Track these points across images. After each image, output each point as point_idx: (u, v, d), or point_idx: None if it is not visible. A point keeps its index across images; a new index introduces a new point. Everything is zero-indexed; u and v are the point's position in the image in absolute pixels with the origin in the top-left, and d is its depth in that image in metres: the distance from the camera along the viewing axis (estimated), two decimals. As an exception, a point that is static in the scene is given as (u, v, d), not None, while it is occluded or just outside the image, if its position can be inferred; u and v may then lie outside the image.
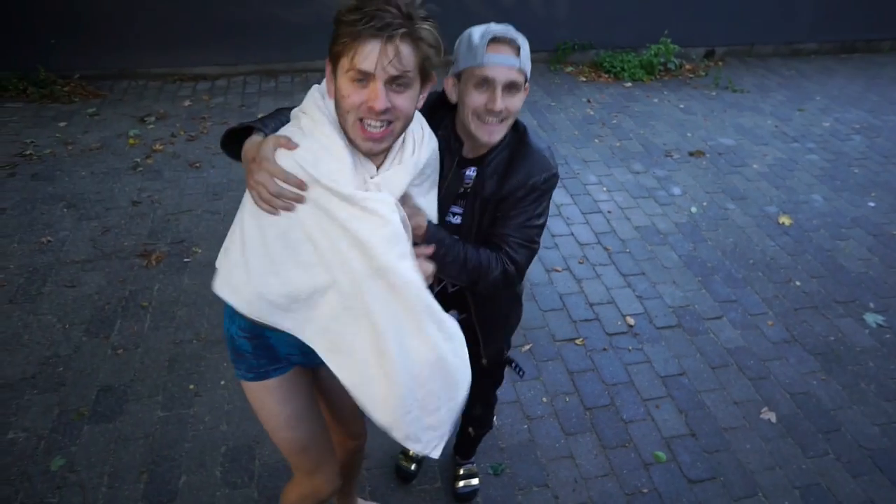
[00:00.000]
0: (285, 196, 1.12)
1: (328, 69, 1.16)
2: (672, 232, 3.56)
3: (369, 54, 1.06)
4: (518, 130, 1.45)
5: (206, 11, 4.94)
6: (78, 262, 3.09)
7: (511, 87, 1.31)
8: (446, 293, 1.60)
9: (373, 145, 1.15)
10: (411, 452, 2.22)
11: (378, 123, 1.12)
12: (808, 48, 6.24)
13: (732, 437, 2.41)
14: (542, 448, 2.33)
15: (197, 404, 2.40)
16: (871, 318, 3.00)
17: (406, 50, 1.08)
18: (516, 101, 1.34)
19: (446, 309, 1.30)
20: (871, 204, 3.89)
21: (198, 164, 3.95)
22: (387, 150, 1.22)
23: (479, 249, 1.42)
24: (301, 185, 1.12)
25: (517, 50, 1.31)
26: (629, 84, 5.42)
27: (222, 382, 2.50)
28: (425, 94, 1.23)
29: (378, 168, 1.23)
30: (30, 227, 3.31)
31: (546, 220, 1.49)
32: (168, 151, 4.09)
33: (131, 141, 4.18)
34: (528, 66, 1.34)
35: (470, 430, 2.08)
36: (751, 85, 5.51)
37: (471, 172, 1.44)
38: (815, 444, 2.39)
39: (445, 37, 1.17)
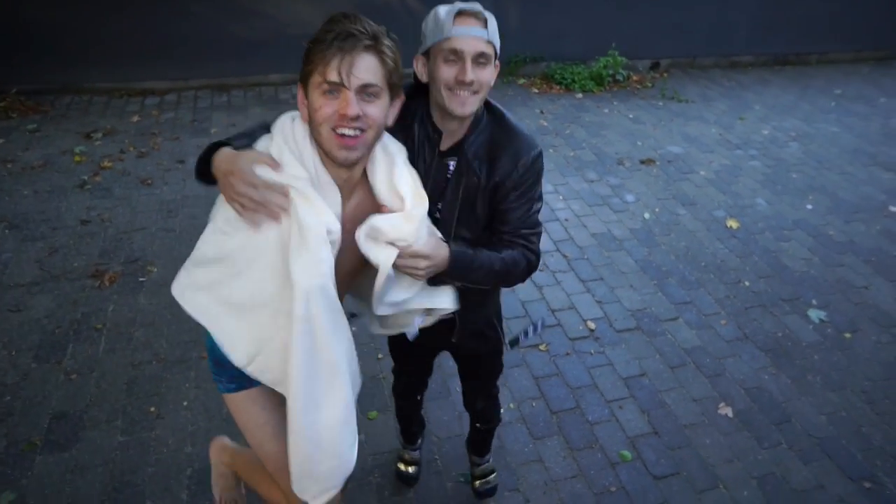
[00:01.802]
0: (270, 204, 1.12)
1: (300, 94, 1.20)
2: (627, 238, 3.67)
3: (338, 65, 1.11)
4: (495, 113, 1.46)
5: (153, 25, 4.83)
6: (23, 284, 2.96)
7: (480, 58, 1.30)
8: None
9: (347, 154, 1.17)
10: (406, 457, 2.22)
11: (351, 131, 1.14)
12: (746, 60, 6.57)
13: (693, 433, 2.49)
14: (511, 453, 2.36)
15: (159, 427, 2.33)
16: (815, 314, 3.17)
17: (372, 62, 1.14)
18: (487, 74, 1.33)
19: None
20: (809, 207, 4.12)
21: (149, 181, 3.84)
22: (356, 174, 1.25)
23: (501, 251, 1.44)
24: (286, 193, 1.13)
25: (484, 22, 1.31)
26: (580, 95, 5.58)
27: (185, 403, 2.43)
28: (395, 111, 1.25)
29: (346, 201, 1.26)
30: (-31, 250, 3.15)
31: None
32: (117, 168, 3.96)
33: (77, 158, 4.03)
34: (496, 40, 1.34)
35: (477, 425, 2.08)
36: (695, 95, 5.76)
37: (452, 164, 1.44)
38: (770, 436, 2.50)
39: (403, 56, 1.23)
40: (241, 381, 1.37)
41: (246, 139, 1.26)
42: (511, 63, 5.76)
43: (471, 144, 1.41)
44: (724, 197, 4.16)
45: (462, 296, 1.50)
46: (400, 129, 1.38)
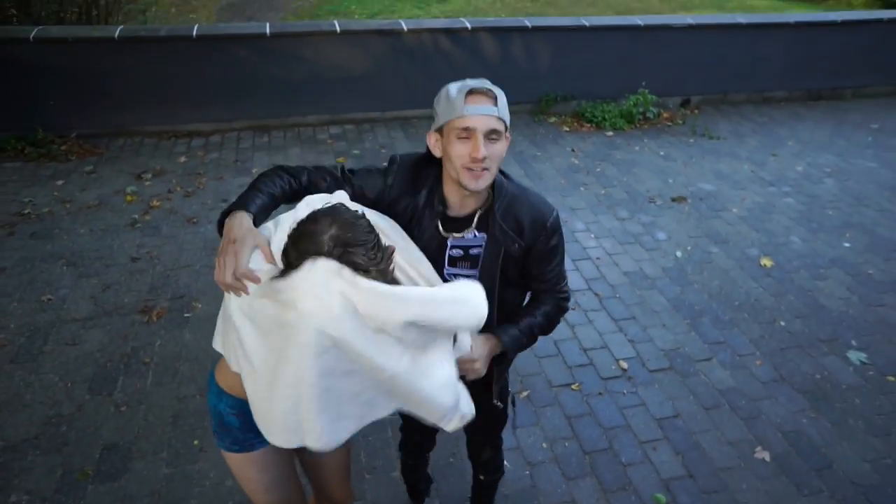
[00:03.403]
0: (236, 288, 1.17)
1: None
2: (659, 276, 3.68)
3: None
4: (510, 180, 1.54)
5: (200, 70, 5.12)
6: (79, 319, 3.13)
7: (492, 134, 1.36)
8: None
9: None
10: None
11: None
12: (778, 95, 6.57)
13: (729, 477, 2.47)
14: (544, 494, 2.37)
15: (202, 460, 2.42)
16: (855, 356, 3.11)
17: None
18: (498, 148, 1.38)
19: None
20: (847, 244, 4.06)
21: (195, 220, 4.03)
22: None
23: (536, 312, 1.60)
24: (256, 282, 1.17)
25: (494, 99, 1.37)
26: (611, 133, 5.65)
27: (226, 437, 2.52)
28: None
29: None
30: (30, 286, 3.34)
31: None
32: (165, 207, 4.17)
33: (129, 198, 4.26)
34: (506, 115, 1.40)
35: (481, 476, 2.10)
36: (726, 131, 5.77)
37: (469, 235, 1.48)
38: (809, 482, 2.46)
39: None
40: (245, 444, 1.47)
41: (261, 199, 1.32)
42: (542, 102, 5.88)
43: (498, 212, 1.48)
44: (757, 235, 4.14)
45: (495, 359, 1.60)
46: (408, 194, 1.47)
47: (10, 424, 2.54)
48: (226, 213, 1.28)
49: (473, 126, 1.34)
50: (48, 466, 2.37)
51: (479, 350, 1.44)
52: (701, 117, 6.06)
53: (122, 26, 5.36)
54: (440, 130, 1.42)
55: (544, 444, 2.58)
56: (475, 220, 1.49)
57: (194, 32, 4.98)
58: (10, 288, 3.32)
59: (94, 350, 2.93)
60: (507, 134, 1.44)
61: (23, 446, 2.45)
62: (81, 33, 4.96)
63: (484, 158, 1.35)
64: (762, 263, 3.83)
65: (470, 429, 1.96)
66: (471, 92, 1.36)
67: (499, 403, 1.77)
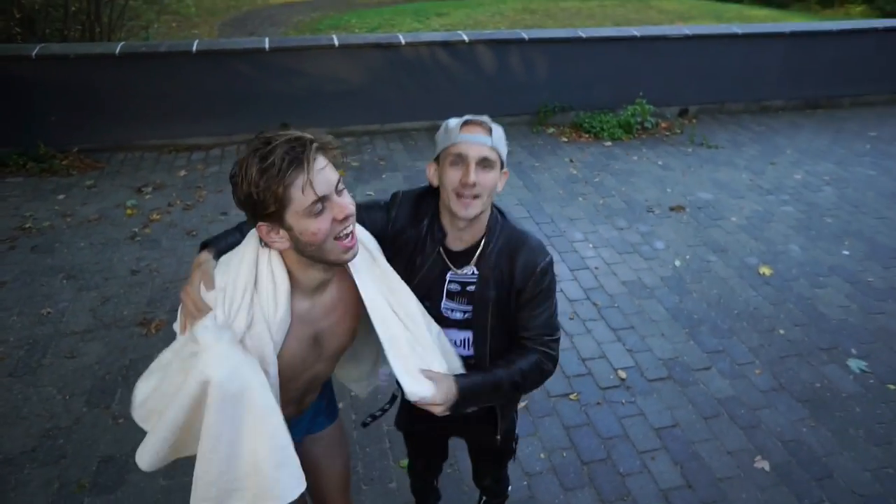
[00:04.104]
0: (189, 317, 1.24)
1: (263, 229, 1.21)
2: (658, 286, 3.68)
3: (318, 181, 1.17)
4: (506, 218, 1.53)
5: (201, 85, 5.17)
6: (78, 332, 3.14)
7: (484, 162, 1.38)
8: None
9: (353, 251, 1.27)
10: None
11: (348, 230, 1.24)
12: (776, 104, 6.59)
13: (728, 486, 2.45)
14: (542, 505, 2.36)
15: (198, 473, 2.41)
16: (855, 364, 3.10)
17: (327, 161, 1.20)
18: (489, 178, 1.39)
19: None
20: (846, 252, 4.06)
21: (194, 233, 4.05)
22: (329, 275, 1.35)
23: (513, 364, 1.49)
24: (205, 309, 1.23)
25: (489, 131, 1.41)
26: (609, 143, 5.67)
27: (223, 450, 2.51)
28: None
29: (325, 291, 1.36)
30: (30, 300, 3.36)
31: None
32: (165, 221, 4.19)
33: (129, 211, 4.29)
34: (501, 147, 1.42)
35: (484, 499, 2.13)
36: (724, 140, 5.79)
37: (467, 270, 1.49)
38: (810, 492, 2.44)
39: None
40: None
41: (235, 236, 1.38)
42: (540, 113, 5.92)
43: (491, 252, 1.48)
44: (756, 243, 4.14)
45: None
46: (411, 224, 1.50)
47: (8, 437, 2.54)
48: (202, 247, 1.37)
49: (465, 152, 1.38)
50: (45, 479, 2.37)
51: (440, 394, 1.38)
52: (699, 126, 6.09)
53: (122, 42, 5.42)
54: (437, 159, 1.46)
55: (542, 455, 2.56)
56: (475, 256, 1.49)
57: (194, 48, 5.03)
58: (9, 301, 3.34)
59: (93, 363, 2.94)
60: (505, 171, 1.46)
61: (20, 459, 2.45)
62: (82, 50, 5.02)
63: (474, 185, 1.37)
64: (761, 272, 3.82)
65: (474, 457, 2.02)
66: (467, 123, 1.41)
67: (499, 439, 1.74)
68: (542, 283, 1.48)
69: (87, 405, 2.71)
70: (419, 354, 1.38)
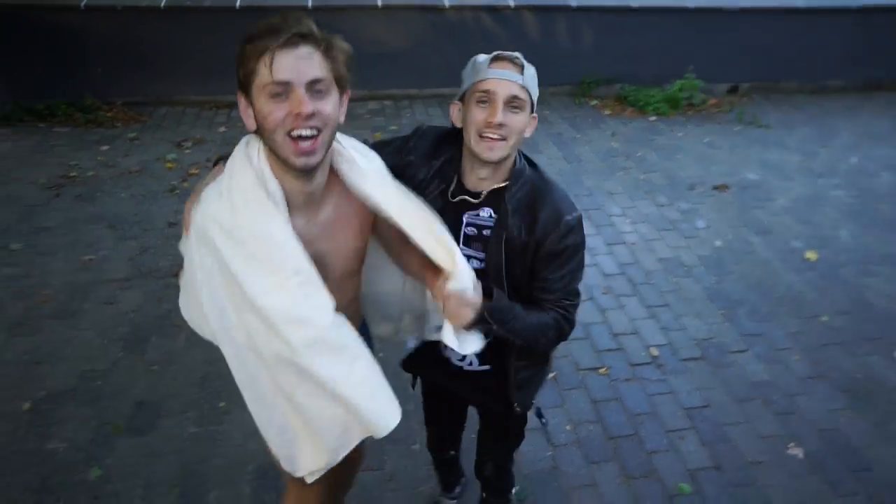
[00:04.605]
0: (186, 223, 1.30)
1: (241, 102, 1.18)
2: (696, 265, 3.57)
3: (283, 64, 1.09)
4: (536, 168, 1.42)
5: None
6: (116, 280, 3.21)
7: (513, 101, 1.28)
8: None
9: (307, 160, 1.14)
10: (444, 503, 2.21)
11: (308, 132, 1.12)
12: (834, 85, 6.26)
13: (759, 471, 2.39)
14: (565, 476, 2.34)
15: (227, 422, 2.46)
16: (901, 356, 2.97)
17: (316, 55, 1.12)
18: (519, 120, 1.30)
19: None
20: (900, 241, 3.87)
21: (232, 189, 4.08)
22: (319, 177, 1.24)
23: (536, 314, 1.39)
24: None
25: (521, 68, 1.30)
26: (653, 118, 5.49)
27: (252, 401, 2.56)
28: (344, 107, 1.22)
29: (320, 208, 1.28)
30: (72, 247, 3.45)
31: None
32: (203, 175, 4.23)
33: (168, 165, 4.34)
34: (532, 87, 1.31)
35: (484, 495, 2.01)
36: (775, 121, 5.54)
37: (485, 213, 1.40)
38: (845, 483, 2.36)
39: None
40: None
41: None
42: (583, 84, 5.75)
43: (512, 196, 1.37)
44: (802, 227, 3.97)
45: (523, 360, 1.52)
46: (424, 160, 1.43)
47: (51, 375, 2.63)
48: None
49: (494, 89, 1.28)
50: (84, 417, 2.45)
51: (475, 297, 1.28)
52: (749, 105, 5.83)
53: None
54: (462, 98, 1.37)
55: (568, 427, 2.54)
56: (483, 194, 1.40)
57: (238, 3, 5.02)
58: (54, 247, 3.43)
59: (130, 310, 3.01)
60: (534, 115, 1.36)
61: (62, 397, 2.54)
62: (129, 2, 5.04)
63: (501, 125, 1.27)
64: (806, 256, 3.67)
65: (481, 434, 1.86)
66: (497, 57, 1.31)
67: (518, 409, 1.60)
68: (566, 240, 1.36)
69: (123, 350, 2.78)
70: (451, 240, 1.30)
